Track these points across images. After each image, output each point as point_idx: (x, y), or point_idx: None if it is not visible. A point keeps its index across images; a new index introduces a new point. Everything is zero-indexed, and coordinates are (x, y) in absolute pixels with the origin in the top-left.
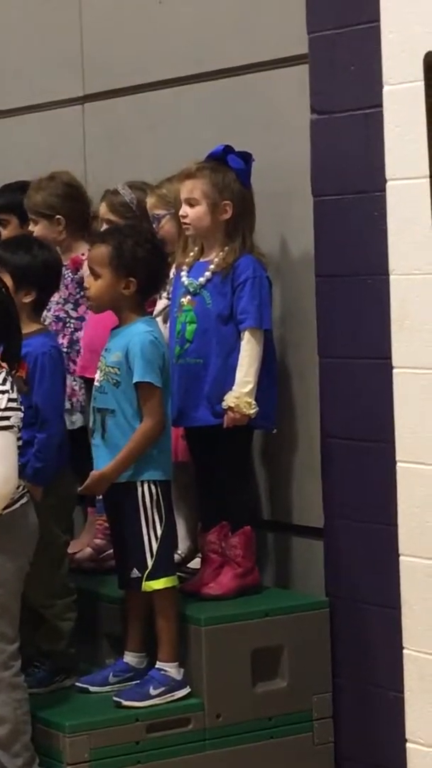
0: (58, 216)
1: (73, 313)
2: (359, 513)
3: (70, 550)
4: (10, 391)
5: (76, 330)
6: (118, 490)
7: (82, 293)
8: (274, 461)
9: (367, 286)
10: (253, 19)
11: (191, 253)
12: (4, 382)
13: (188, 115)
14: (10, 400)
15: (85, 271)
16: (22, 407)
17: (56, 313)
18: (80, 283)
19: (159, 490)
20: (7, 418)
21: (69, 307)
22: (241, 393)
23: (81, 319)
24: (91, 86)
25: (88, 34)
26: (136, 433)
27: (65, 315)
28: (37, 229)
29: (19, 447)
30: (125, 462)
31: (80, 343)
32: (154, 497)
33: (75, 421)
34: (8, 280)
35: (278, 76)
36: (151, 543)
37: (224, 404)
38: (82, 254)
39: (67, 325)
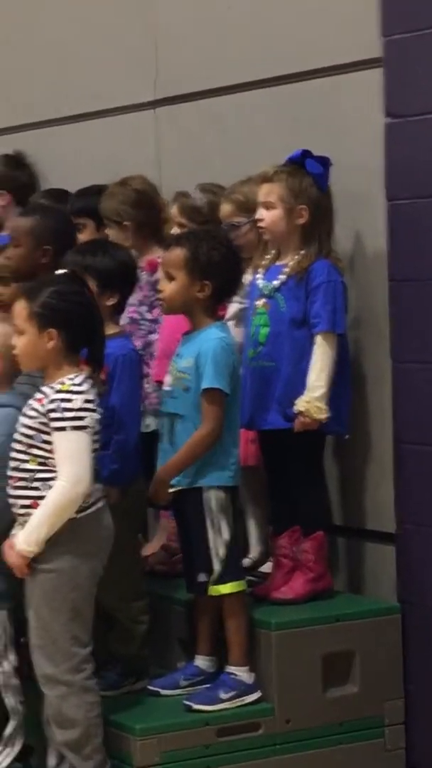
0: (126, 223)
1: (148, 316)
2: None
3: (143, 553)
4: (87, 393)
5: (150, 332)
6: (185, 495)
7: (156, 296)
8: (347, 466)
9: None
10: (327, 23)
11: (267, 256)
12: (81, 384)
13: (260, 119)
14: (86, 401)
15: (159, 274)
16: (99, 409)
17: (131, 315)
18: (155, 286)
19: (226, 495)
20: (82, 418)
21: (144, 309)
22: (311, 397)
23: (155, 321)
24: (163, 91)
25: (161, 39)
26: (192, 438)
27: (139, 317)
28: (110, 233)
29: (96, 449)
30: (178, 466)
31: (153, 346)
32: (221, 502)
33: (149, 424)
34: (91, 285)
35: (351, 80)
36: (217, 548)
37: (295, 408)
38: (158, 257)
39: (141, 327)
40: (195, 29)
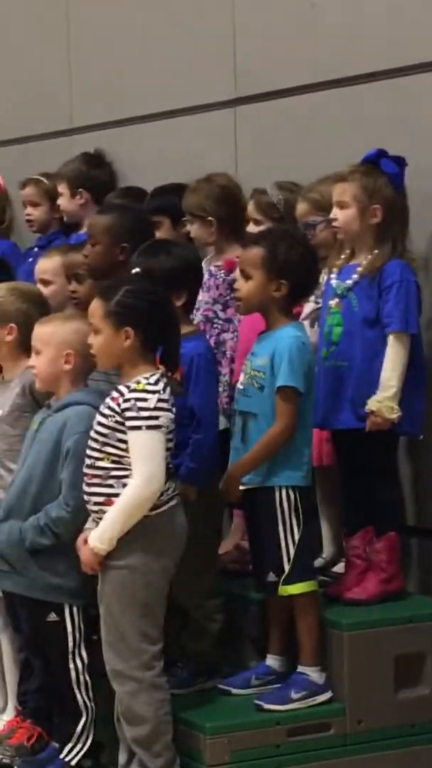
0: (210, 218)
1: (222, 314)
2: None
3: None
4: (161, 392)
5: (223, 331)
6: (256, 495)
7: (232, 295)
8: (421, 466)
9: None
10: (403, 22)
11: (342, 256)
12: (156, 383)
13: (338, 118)
14: (160, 400)
15: (236, 273)
16: (173, 408)
17: (205, 313)
18: (231, 285)
19: (296, 494)
20: (156, 417)
21: (218, 307)
22: (383, 397)
23: (229, 320)
24: (242, 89)
25: (240, 38)
26: (264, 436)
27: (213, 315)
28: (191, 229)
29: (169, 448)
30: (251, 464)
31: (226, 344)
32: (292, 502)
33: (220, 423)
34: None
35: (428, 79)
36: (288, 548)
37: (366, 408)
38: (237, 256)
39: (215, 325)
40: (275, 28)
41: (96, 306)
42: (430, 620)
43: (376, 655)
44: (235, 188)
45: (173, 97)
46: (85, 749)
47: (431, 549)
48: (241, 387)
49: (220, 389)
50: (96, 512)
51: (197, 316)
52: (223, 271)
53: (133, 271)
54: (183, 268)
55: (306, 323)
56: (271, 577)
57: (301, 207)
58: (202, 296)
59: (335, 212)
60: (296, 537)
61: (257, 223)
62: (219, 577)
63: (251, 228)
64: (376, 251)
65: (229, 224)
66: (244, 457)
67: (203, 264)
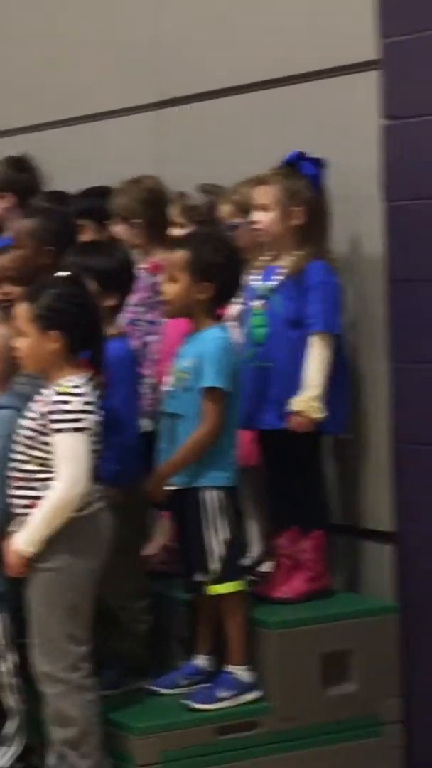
0: (137, 220)
1: (146, 317)
2: (429, 517)
3: (144, 553)
4: (87, 395)
5: (147, 334)
6: (183, 495)
7: (156, 297)
8: (345, 466)
9: None
10: (325, 25)
11: (264, 258)
12: (81, 386)
13: (261, 121)
14: (85, 403)
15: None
16: (99, 411)
17: (129, 316)
18: (155, 288)
19: (224, 495)
20: (81, 420)
21: (142, 310)
22: (308, 397)
23: (153, 323)
24: (165, 92)
25: (163, 41)
26: (191, 437)
27: (138, 318)
28: (118, 231)
29: (96, 451)
30: (177, 465)
31: (149, 347)
32: (218, 503)
33: (144, 425)
34: (92, 286)
35: (350, 82)
36: (216, 548)
37: (290, 407)
38: (162, 259)
39: (139, 328)
40: (196, 32)
41: (22, 309)
42: (357, 618)
43: (304, 653)
44: (162, 192)
45: (97, 100)
46: (16, 752)
47: (357, 547)
48: (168, 389)
49: (146, 391)
50: (21, 515)
51: (122, 319)
52: (147, 274)
53: (60, 273)
54: (119, 270)
55: (232, 324)
56: (199, 577)
57: (224, 209)
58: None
59: (257, 215)
60: (224, 537)
61: (181, 226)
62: (146, 578)
63: (176, 231)
64: (297, 253)
65: (155, 227)
66: (171, 458)
67: None
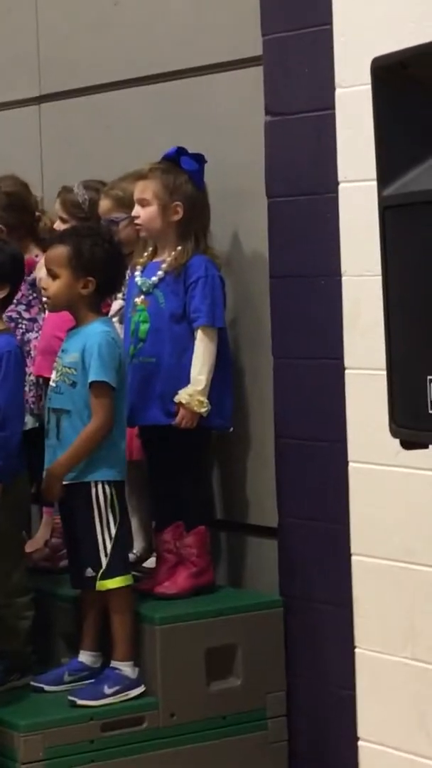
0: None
1: (26, 314)
2: (312, 513)
3: (26, 549)
4: None
5: (27, 331)
6: (71, 490)
7: (34, 295)
8: (228, 461)
9: (320, 287)
10: (208, 21)
11: (145, 254)
12: None
13: (143, 116)
14: None
15: (38, 272)
16: None
17: (9, 314)
18: (33, 285)
19: (113, 489)
20: None
21: (21, 308)
22: (194, 391)
23: (33, 320)
24: (46, 87)
25: (44, 35)
26: (82, 432)
27: (17, 316)
28: None
29: None
30: (69, 461)
31: (30, 344)
32: (108, 497)
33: (26, 422)
34: None
35: (232, 78)
36: (105, 542)
37: (176, 399)
38: (36, 255)
39: (19, 325)
40: (80, 25)
41: None
42: (240, 613)
43: (188, 648)
44: (22, 191)
45: None
46: None
47: (240, 542)
48: (53, 384)
49: (26, 388)
50: None
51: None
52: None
53: None
54: (10, 263)
55: (115, 320)
56: (89, 572)
57: (104, 204)
58: None
59: (137, 210)
60: (113, 532)
61: (64, 221)
62: (28, 574)
63: (58, 225)
64: (179, 248)
65: (20, 229)
66: (63, 456)
67: None
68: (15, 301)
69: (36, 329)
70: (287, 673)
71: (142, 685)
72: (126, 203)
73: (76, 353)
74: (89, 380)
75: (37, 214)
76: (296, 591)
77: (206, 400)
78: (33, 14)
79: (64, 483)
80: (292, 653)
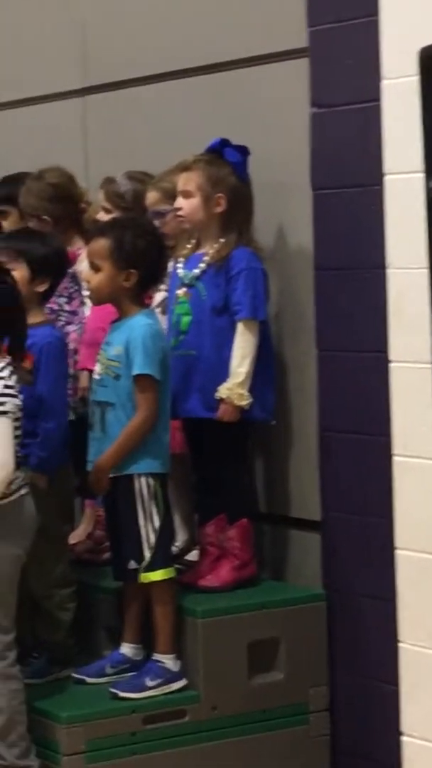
0: (45, 217)
1: (66, 307)
2: (356, 506)
3: (69, 541)
4: (7, 378)
5: (68, 323)
6: (115, 482)
7: (76, 287)
8: (272, 454)
9: (364, 279)
10: (253, 13)
11: (188, 245)
12: (2, 370)
13: (188, 108)
14: (6, 386)
15: (79, 265)
16: (20, 395)
17: (50, 306)
18: (74, 277)
19: (156, 482)
20: (2, 404)
21: (62, 300)
22: (234, 384)
23: (73, 313)
24: (91, 79)
25: (89, 27)
26: (128, 426)
27: (58, 308)
28: (32, 225)
29: (17, 436)
30: (116, 455)
31: (70, 336)
32: (152, 490)
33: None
34: (23, 271)
35: (278, 70)
36: (148, 535)
37: (217, 395)
38: (78, 248)
39: (60, 317)
40: (124, 17)
41: None
42: (283, 606)
43: (230, 641)
44: (68, 182)
45: (22, 86)
46: None
47: (283, 535)
48: (97, 377)
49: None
50: None
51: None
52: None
53: None
54: (53, 256)
55: (157, 311)
56: (132, 564)
57: (151, 196)
58: None
59: (179, 201)
60: (156, 524)
61: (107, 211)
62: (71, 566)
63: (101, 216)
64: (221, 240)
65: (65, 220)
66: (108, 450)
67: None
68: (56, 293)
69: (76, 322)
70: (330, 667)
71: (184, 678)
72: (173, 195)
73: (120, 346)
74: (133, 373)
75: (82, 205)
76: (339, 584)
77: (247, 393)
78: (78, 6)
79: (110, 476)
80: (334, 647)
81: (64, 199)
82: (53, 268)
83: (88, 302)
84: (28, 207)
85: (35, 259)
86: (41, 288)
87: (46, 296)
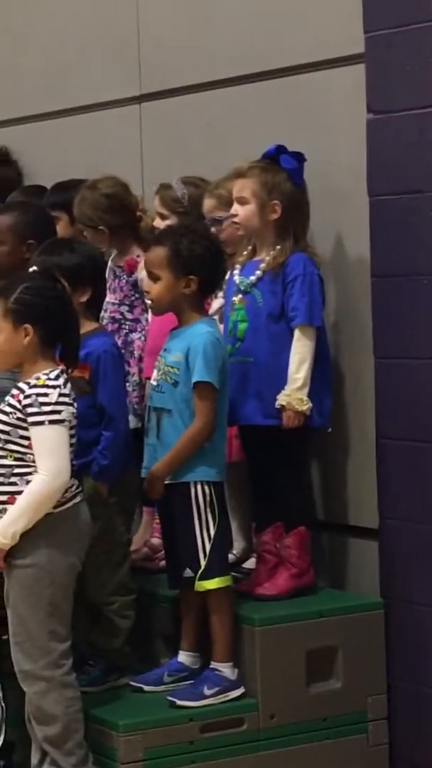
0: (101, 227)
1: (129, 315)
2: (414, 514)
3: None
4: (62, 387)
5: (131, 332)
6: (171, 490)
7: (137, 295)
8: (329, 461)
9: (423, 286)
10: (310, 19)
11: (244, 252)
12: (56, 378)
13: (244, 115)
14: (61, 395)
15: (140, 272)
16: (75, 404)
17: (112, 315)
18: (135, 285)
19: (212, 490)
20: (58, 412)
21: (124, 309)
22: (292, 390)
23: (136, 321)
24: (147, 86)
25: (145, 34)
26: (185, 433)
27: (120, 317)
28: (87, 236)
29: (72, 444)
30: (172, 462)
31: (134, 344)
32: (208, 497)
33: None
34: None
35: (334, 76)
36: (204, 543)
37: (277, 404)
38: (137, 256)
39: (123, 326)
40: (179, 23)
41: None
42: (341, 614)
43: (288, 650)
44: (122, 191)
45: (79, 93)
46: None
47: (341, 543)
48: (154, 383)
49: (130, 389)
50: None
51: (105, 317)
52: (125, 273)
53: (31, 269)
54: (86, 265)
55: (216, 318)
56: (188, 572)
57: (208, 203)
58: (109, 297)
59: (235, 208)
60: (212, 532)
61: (163, 217)
62: (130, 573)
63: (158, 222)
64: (278, 247)
65: (122, 229)
66: (166, 456)
67: (109, 263)
68: (118, 301)
69: (139, 329)
70: (388, 676)
71: (242, 687)
72: (229, 202)
73: (180, 353)
74: (193, 380)
75: (138, 213)
76: (397, 593)
77: (306, 398)
78: (134, 13)
79: (166, 483)
80: (393, 655)
81: (119, 209)
82: (89, 275)
83: None
84: (83, 217)
85: (68, 270)
86: (83, 297)
87: (93, 303)
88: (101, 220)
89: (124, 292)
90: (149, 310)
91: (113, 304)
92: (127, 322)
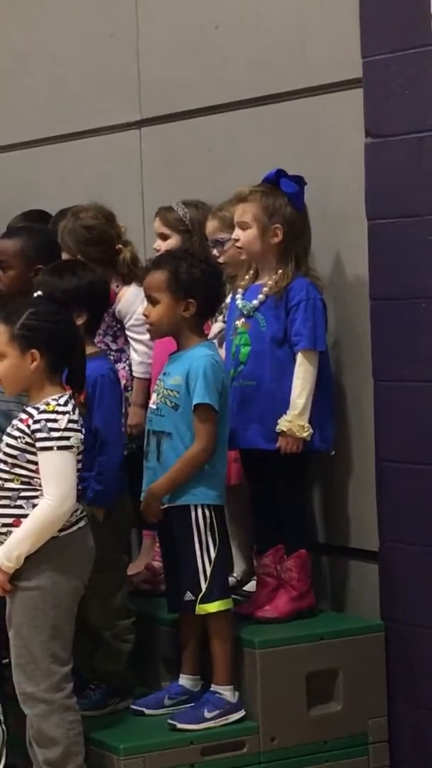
0: (79, 257)
1: (113, 345)
2: (414, 536)
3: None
4: (71, 413)
5: (116, 362)
6: (171, 513)
7: (118, 326)
8: (329, 484)
9: (421, 309)
10: (308, 44)
11: (246, 276)
12: (66, 404)
13: (243, 140)
14: (70, 420)
15: (117, 304)
16: (83, 429)
17: (98, 345)
18: (115, 316)
19: (213, 513)
20: (67, 438)
21: (108, 339)
22: (293, 416)
23: (120, 351)
24: (147, 111)
25: (145, 59)
26: (185, 454)
27: (105, 347)
28: None
29: (78, 469)
30: (171, 482)
31: (119, 374)
32: (208, 520)
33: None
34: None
35: (333, 100)
36: (205, 566)
37: (278, 428)
38: (117, 286)
39: (108, 356)
40: (180, 48)
41: (0, 331)
42: (342, 637)
43: (288, 672)
44: (103, 224)
45: (78, 118)
46: None
47: (341, 566)
48: (153, 407)
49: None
50: (4, 534)
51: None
52: None
53: (36, 293)
54: (85, 288)
55: (215, 342)
56: (189, 596)
57: (211, 224)
58: None
59: (237, 232)
60: (213, 555)
61: (164, 237)
62: (129, 597)
63: (158, 244)
64: (280, 271)
65: (99, 261)
66: (163, 477)
67: None
68: (102, 332)
69: (124, 359)
70: (389, 698)
71: (243, 710)
72: (232, 224)
73: (180, 376)
74: (194, 402)
75: (118, 246)
76: (398, 615)
77: (307, 424)
78: (134, 38)
79: (165, 506)
80: (393, 678)
81: (98, 241)
82: (85, 299)
83: (131, 341)
84: (65, 246)
85: (67, 293)
86: (79, 321)
87: (92, 328)
88: (79, 252)
89: (107, 323)
90: (131, 341)
91: (98, 334)
92: (112, 353)
